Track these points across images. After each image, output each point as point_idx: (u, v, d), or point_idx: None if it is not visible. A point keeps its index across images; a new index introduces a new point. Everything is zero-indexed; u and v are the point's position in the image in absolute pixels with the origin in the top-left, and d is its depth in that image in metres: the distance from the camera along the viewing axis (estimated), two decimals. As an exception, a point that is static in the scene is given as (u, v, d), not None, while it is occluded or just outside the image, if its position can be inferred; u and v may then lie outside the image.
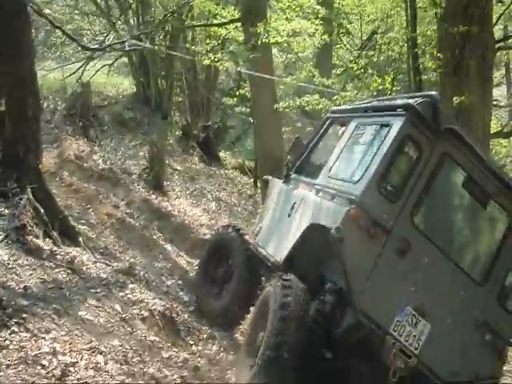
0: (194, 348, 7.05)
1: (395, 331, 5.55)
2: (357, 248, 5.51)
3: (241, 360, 6.21)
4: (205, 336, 7.70)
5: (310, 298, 5.84)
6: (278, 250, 6.92)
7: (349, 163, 6.34)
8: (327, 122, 7.68)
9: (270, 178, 9.04)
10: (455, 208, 6.20)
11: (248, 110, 22.27)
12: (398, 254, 5.62)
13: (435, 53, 10.87)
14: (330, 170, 6.60)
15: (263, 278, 7.91)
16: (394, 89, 18.23)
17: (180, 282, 9.63)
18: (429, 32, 13.95)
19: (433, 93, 5.94)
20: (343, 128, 6.98)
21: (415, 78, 10.67)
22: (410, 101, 5.79)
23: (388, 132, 5.75)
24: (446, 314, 5.74)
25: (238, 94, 20.61)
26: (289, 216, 6.91)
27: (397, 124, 5.72)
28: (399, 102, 6.08)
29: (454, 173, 5.95)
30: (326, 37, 19.39)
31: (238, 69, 21.35)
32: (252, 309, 7.39)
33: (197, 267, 9.43)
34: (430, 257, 5.70)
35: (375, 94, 16.90)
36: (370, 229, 5.52)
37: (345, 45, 24.03)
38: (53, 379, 4.62)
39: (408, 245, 5.62)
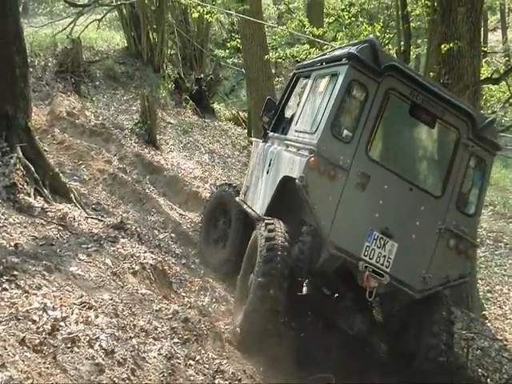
0: (185, 300, 7.11)
1: (366, 256, 6.30)
2: (320, 191, 6.24)
3: (237, 299, 6.97)
4: (197, 288, 7.77)
5: (290, 238, 6.46)
6: (260, 205, 7.63)
7: (309, 115, 6.97)
8: (294, 78, 8.30)
9: (254, 139, 9.60)
10: (406, 134, 6.82)
11: (240, 61, 22.15)
12: (359, 188, 6.35)
13: (424, 0, 10.82)
14: (296, 123, 7.28)
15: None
16: (387, 36, 18.16)
17: (173, 235, 9.72)
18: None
19: (370, 37, 6.53)
20: (306, 82, 7.67)
21: (404, 26, 10.60)
22: (352, 49, 6.36)
23: (336, 80, 6.40)
24: (411, 230, 6.44)
25: (229, 45, 20.48)
26: (267, 173, 7.60)
27: (342, 72, 6.34)
28: (343, 51, 6.63)
29: (400, 103, 6.51)
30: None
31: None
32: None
33: (200, 223, 9.97)
34: (388, 183, 6.40)
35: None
36: (329, 171, 6.24)
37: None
38: (43, 334, 4.70)
39: (367, 177, 6.34)
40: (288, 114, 8.37)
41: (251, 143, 9.70)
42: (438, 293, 6.69)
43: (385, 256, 6.35)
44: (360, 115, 6.37)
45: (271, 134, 8.34)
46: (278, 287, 6.19)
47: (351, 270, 6.42)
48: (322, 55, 8.07)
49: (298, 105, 7.74)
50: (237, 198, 8.83)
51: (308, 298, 6.79)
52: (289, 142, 7.22)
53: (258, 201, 7.81)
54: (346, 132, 6.39)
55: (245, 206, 8.42)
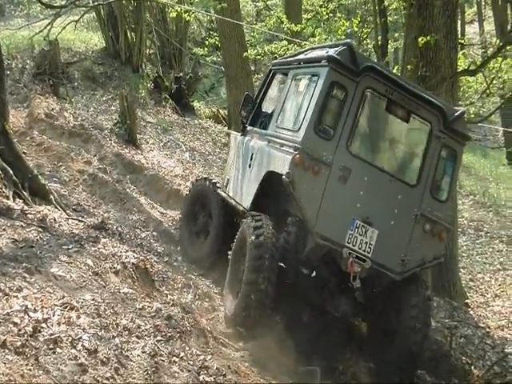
0: (168, 297, 7.10)
1: (349, 243, 6.83)
2: (305, 186, 6.72)
3: (227, 291, 7.41)
4: (180, 285, 7.76)
5: (277, 231, 6.93)
6: (244, 198, 8.01)
7: (290, 113, 7.44)
8: (270, 74, 8.73)
9: (231, 131, 10.25)
10: (383, 129, 7.37)
11: (220, 58, 22.16)
12: (341, 181, 6.84)
13: (400, -6, 10.88)
14: (277, 120, 7.70)
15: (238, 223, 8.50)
16: (365, 31, 18.22)
17: (154, 233, 9.71)
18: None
19: (348, 41, 7.09)
20: (284, 79, 8.14)
21: (381, 20, 10.65)
22: (331, 52, 6.85)
23: (317, 81, 6.86)
24: (389, 218, 6.99)
25: (208, 43, 20.46)
26: (249, 167, 7.98)
27: (323, 74, 6.82)
28: (323, 53, 7.07)
29: (377, 101, 7.05)
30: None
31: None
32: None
33: (179, 217, 10.15)
34: (368, 175, 6.93)
35: (343, 38, 16.91)
36: (313, 167, 6.73)
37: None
38: (25, 336, 4.68)
39: (348, 171, 6.84)
40: (265, 108, 8.80)
41: (229, 135, 10.08)
42: (416, 273, 7.23)
43: (366, 242, 6.89)
44: (340, 113, 6.85)
45: (249, 128, 8.73)
46: (268, 281, 6.67)
47: (335, 256, 6.91)
48: (299, 53, 8.48)
49: (277, 101, 8.12)
50: (218, 190, 9.13)
51: (294, 285, 7.01)
52: (271, 138, 7.64)
53: (241, 193, 8.18)
54: (327, 129, 6.85)
55: (227, 198, 8.76)
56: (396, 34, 20.19)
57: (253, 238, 6.82)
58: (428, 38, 9.62)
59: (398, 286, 7.14)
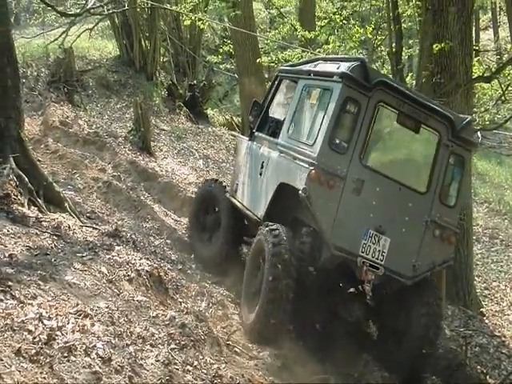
0: (182, 305, 7.10)
1: (363, 252, 7.03)
2: (321, 199, 6.94)
3: (244, 302, 7.56)
4: (193, 293, 7.75)
5: (291, 239, 7.15)
6: (256, 206, 8.24)
7: (303, 124, 7.67)
8: (277, 80, 8.95)
9: (237, 135, 10.55)
10: (394, 140, 7.78)
11: (233, 66, 22.20)
12: (355, 193, 7.05)
13: (415, 1, 10.84)
14: (288, 130, 7.87)
15: (246, 226, 9.08)
16: (379, 38, 18.20)
17: (168, 241, 9.72)
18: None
19: (361, 57, 7.64)
20: (292, 87, 8.38)
21: (395, 27, 10.61)
22: (344, 67, 7.05)
23: (330, 96, 7.08)
24: (401, 226, 7.22)
25: (222, 51, 20.50)
26: (260, 175, 8.22)
27: (336, 90, 7.02)
28: (335, 68, 7.27)
29: (389, 114, 7.30)
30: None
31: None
32: (241, 253, 9.36)
33: (188, 218, 10.35)
34: (380, 186, 7.14)
35: (358, 45, 16.92)
36: (329, 181, 6.94)
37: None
38: (39, 344, 4.70)
39: (362, 183, 7.05)
40: (272, 113, 9.04)
41: (234, 137, 10.33)
42: (426, 277, 7.47)
43: (379, 251, 7.10)
44: (354, 127, 7.05)
45: (257, 133, 8.94)
46: (288, 288, 6.87)
47: (350, 265, 7.11)
48: (306, 62, 8.66)
49: (287, 110, 8.28)
50: (227, 195, 9.38)
51: (311, 292, 7.23)
52: (282, 148, 7.81)
53: (253, 201, 8.41)
54: (341, 144, 7.06)
55: (236, 203, 9.00)
56: (410, 41, 20.14)
57: (271, 247, 7.02)
58: (443, 44, 9.60)
59: (410, 290, 7.36)
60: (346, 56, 8.52)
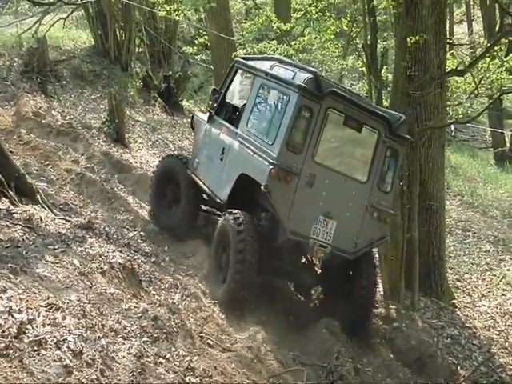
0: (155, 298, 7.08)
1: (314, 234, 8.33)
2: (279, 192, 8.15)
3: (211, 278, 8.69)
4: (167, 285, 7.73)
5: (252, 221, 8.42)
6: (218, 190, 9.38)
7: (261, 121, 8.92)
8: (234, 70, 10.01)
9: (196, 114, 11.71)
10: (341, 140, 8.85)
11: (209, 57, 22.11)
12: (308, 185, 8.28)
13: (389, -6, 10.85)
14: (247, 124, 9.04)
15: (203, 198, 10.36)
16: (355, 30, 18.23)
17: (142, 233, 9.69)
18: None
19: (314, 70, 8.57)
20: (249, 81, 9.65)
21: (370, 20, 10.61)
22: (299, 80, 8.22)
23: (288, 103, 8.26)
24: (345, 210, 8.50)
25: (197, 42, 20.39)
26: (221, 160, 9.38)
27: (293, 98, 8.19)
28: (292, 78, 8.40)
29: (336, 117, 8.43)
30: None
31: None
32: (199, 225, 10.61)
33: (150, 191, 11.15)
34: (329, 179, 8.39)
35: (333, 37, 16.93)
36: (286, 177, 8.14)
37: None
38: (9, 337, 4.65)
39: (313, 177, 8.29)
40: (229, 99, 10.19)
41: (193, 118, 11.34)
42: (369, 253, 9.00)
43: (327, 232, 8.39)
44: (307, 130, 8.25)
45: (215, 117, 10.08)
46: (252, 261, 8.09)
47: (303, 245, 8.41)
48: (262, 59, 9.90)
49: (246, 102, 9.34)
50: (187, 171, 10.38)
51: (270, 264, 8.58)
52: (242, 140, 8.97)
53: (215, 184, 9.53)
54: (297, 145, 8.25)
55: (197, 180, 10.08)
56: (385, 34, 20.19)
57: (235, 228, 8.19)
58: (417, 37, 9.63)
59: (353, 262, 8.68)
60: (299, 64, 9.46)
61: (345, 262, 8.71)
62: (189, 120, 18.65)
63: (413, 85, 10.06)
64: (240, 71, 9.95)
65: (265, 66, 9.18)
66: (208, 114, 10.43)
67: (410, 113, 9.95)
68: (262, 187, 8.11)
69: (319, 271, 9.38)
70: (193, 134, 11.52)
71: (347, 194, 8.50)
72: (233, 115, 9.96)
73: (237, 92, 10.16)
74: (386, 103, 10.33)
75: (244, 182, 8.67)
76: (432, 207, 10.48)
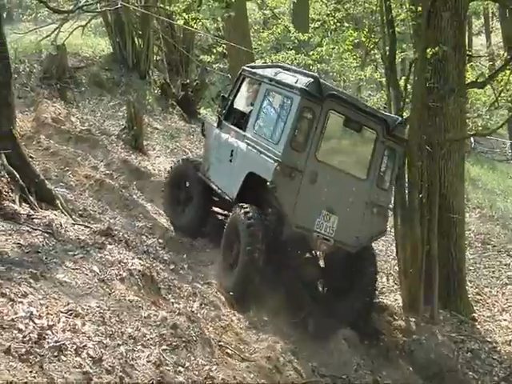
0: (174, 306, 7.04)
1: (317, 228, 8.78)
2: (284, 188, 8.64)
3: (221, 268, 9.09)
4: (186, 293, 7.69)
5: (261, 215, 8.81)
6: (228, 189, 9.81)
7: (267, 124, 9.32)
8: (241, 78, 10.52)
9: (205, 118, 12.59)
10: (341, 139, 9.40)
11: (226, 66, 22.13)
12: (311, 182, 8.75)
13: (408, 5, 10.80)
14: (254, 126, 9.50)
15: (214, 200, 10.82)
16: (372, 41, 18.20)
17: (160, 240, 9.67)
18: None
19: (315, 75, 9.14)
20: (255, 87, 10.10)
21: (389, 31, 10.57)
22: (302, 84, 8.69)
23: (291, 105, 8.79)
24: (347, 206, 8.94)
25: (215, 51, 20.42)
26: (230, 161, 9.84)
27: (296, 100, 8.70)
28: (294, 82, 8.87)
29: (337, 118, 8.90)
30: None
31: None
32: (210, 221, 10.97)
33: (163, 193, 11.51)
34: (330, 175, 8.86)
35: (351, 48, 16.89)
36: (290, 174, 8.63)
37: (321, -1, 23.65)
38: (29, 343, 4.64)
39: (316, 174, 8.77)
40: (237, 106, 10.59)
41: (203, 124, 11.77)
42: (369, 249, 9.39)
43: (330, 227, 8.83)
44: (309, 130, 8.74)
45: (225, 122, 10.49)
46: (261, 252, 8.53)
47: (307, 239, 8.86)
48: (268, 67, 10.32)
49: (252, 108, 9.85)
50: (198, 173, 10.80)
51: (276, 257, 8.86)
52: (249, 142, 9.42)
53: (225, 183, 9.97)
54: (300, 144, 8.73)
55: (208, 182, 10.52)
56: (404, 45, 20.11)
57: (245, 226, 8.62)
58: (436, 49, 9.58)
59: (354, 256, 9.09)
60: (302, 70, 10.19)
61: (347, 257, 9.13)
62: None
63: (432, 96, 10.00)
64: (247, 79, 10.45)
65: (270, 72, 9.71)
66: (217, 119, 10.93)
67: (429, 124, 9.91)
68: (269, 183, 8.63)
69: (322, 265, 9.85)
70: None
71: (348, 190, 8.97)
72: (240, 120, 10.40)
73: (244, 98, 10.60)
74: (405, 114, 10.26)
75: (251, 181, 9.14)
76: (451, 219, 10.37)
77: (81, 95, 16.75)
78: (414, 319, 9.40)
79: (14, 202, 7.52)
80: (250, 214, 8.74)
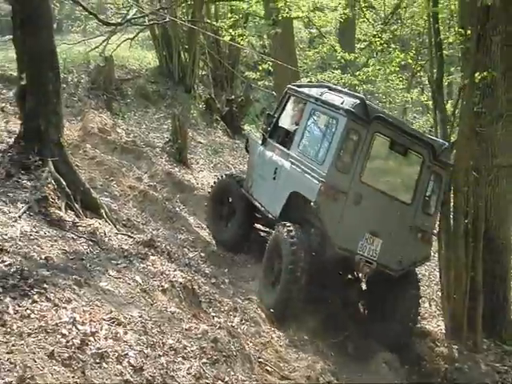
0: (215, 320, 7.03)
1: (360, 251, 8.69)
2: (328, 209, 8.61)
3: (262, 285, 9.08)
4: (226, 308, 7.68)
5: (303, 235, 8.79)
6: (271, 207, 9.84)
7: (312, 143, 9.34)
8: (287, 96, 10.57)
9: (249, 135, 12.98)
10: (386, 162, 9.35)
11: (272, 83, 22.18)
12: (355, 203, 8.69)
13: (457, 28, 10.70)
14: (299, 146, 9.52)
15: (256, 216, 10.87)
16: (419, 63, 18.10)
17: (202, 254, 9.68)
18: (453, 6, 13.71)
19: (362, 96, 9.23)
20: (300, 106, 10.10)
21: (437, 54, 10.47)
22: (348, 105, 8.70)
23: (336, 126, 8.78)
24: (390, 230, 8.85)
25: (261, 68, 20.49)
26: (274, 179, 9.84)
27: (342, 122, 8.68)
28: (340, 103, 8.87)
29: (383, 141, 8.88)
30: (347, 11, 19.19)
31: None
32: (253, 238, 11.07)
33: (206, 207, 11.66)
34: (375, 198, 8.78)
35: (398, 69, 16.80)
36: (334, 195, 8.59)
37: (368, 19, 23.65)
38: (72, 348, 4.67)
39: (360, 196, 8.70)
40: (282, 124, 10.56)
41: (248, 140, 11.82)
42: (413, 273, 9.29)
43: (373, 249, 8.75)
44: (355, 152, 8.69)
45: (269, 139, 10.52)
46: (302, 280, 8.46)
47: (350, 260, 8.76)
48: (313, 86, 10.36)
49: (297, 126, 9.87)
50: (242, 190, 10.86)
51: (318, 278, 8.79)
52: (294, 161, 9.44)
53: (268, 201, 10.01)
54: (345, 165, 8.71)
55: (251, 199, 10.56)
56: (452, 69, 19.95)
57: (289, 245, 8.59)
58: (485, 73, 9.44)
59: (397, 280, 8.98)
60: (348, 91, 9.90)
61: (389, 280, 9.02)
62: (248, 144, 18.84)
63: (480, 121, 9.84)
64: (292, 97, 10.47)
65: (315, 92, 9.71)
66: (262, 136, 10.96)
67: (476, 149, 9.76)
68: (312, 203, 8.61)
69: (364, 287, 9.74)
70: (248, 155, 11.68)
71: (392, 214, 8.89)
72: (285, 138, 10.38)
73: (289, 117, 10.57)
74: (452, 139, 10.13)
75: (295, 200, 9.14)
76: (497, 246, 10.17)
77: (127, 107, 16.94)
78: (456, 347, 9.17)
79: (60, 209, 7.59)
80: (293, 233, 8.70)
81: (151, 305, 6.26)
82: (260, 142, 10.89)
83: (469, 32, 9.78)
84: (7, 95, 13.91)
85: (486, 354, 9.28)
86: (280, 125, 10.65)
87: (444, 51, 11.46)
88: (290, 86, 10.83)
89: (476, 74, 9.40)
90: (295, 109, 10.46)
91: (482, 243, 9.66)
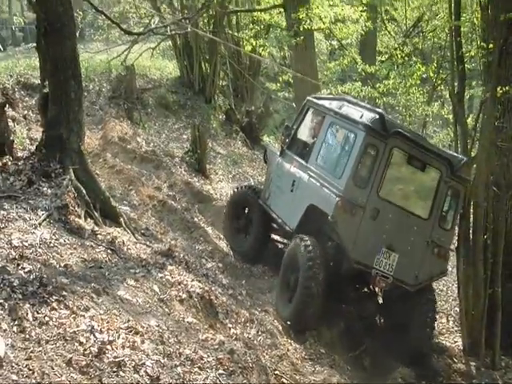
0: (231, 331, 7.02)
1: (377, 265, 8.70)
2: (345, 224, 8.65)
3: (279, 297, 9.16)
4: (243, 319, 7.65)
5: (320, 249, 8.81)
6: (288, 219, 9.93)
7: (330, 157, 9.47)
8: (306, 108, 10.60)
9: (267, 146, 13.07)
10: (404, 177, 9.31)
11: (291, 95, 22.19)
12: (372, 218, 8.72)
13: (479, 42, 10.65)
14: (317, 159, 9.59)
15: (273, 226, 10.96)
16: (440, 76, 18.03)
17: (220, 265, 9.68)
18: (475, 20, 13.64)
19: (380, 111, 9.05)
20: (319, 119, 10.15)
21: (458, 67, 10.42)
22: (367, 120, 8.71)
23: (355, 141, 8.82)
24: (407, 244, 8.83)
25: (281, 79, 20.49)
26: (291, 191, 9.91)
27: (360, 136, 8.71)
28: (358, 117, 8.88)
29: (401, 156, 8.90)
30: (369, 23, 19.19)
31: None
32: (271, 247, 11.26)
33: (224, 218, 11.72)
34: (392, 213, 8.79)
35: (418, 82, 16.73)
36: (352, 210, 8.62)
37: (389, 31, 23.62)
38: (90, 356, 4.69)
39: (377, 211, 8.72)
40: (301, 136, 10.70)
41: (266, 151, 12.07)
42: (429, 288, 9.26)
43: (389, 264, 8.75)
44: (373, 166, 8.71)
45: (287, 151, 10.60)
46: (319, 285, 8.56)
47: (366, 275, 8.83)
48: (332, 99, 10.30)
49: (315, 139, 9.97)
50: (259, 201, 10.98)
51: (334, 291, 8.88)
52: (311, 173, 9.51)
53: (285, 213, 10.10)
54: (363, 180, 8.72)
55: (269, 210, 10.67)
56: (473, 83, 19.86)
57: (306, 259, 8.64)
58: (507, 88, 9.38)
59: (413, 294, 8.97)
60: (367, 105, 9.93)
61: (406, 295, 9.02)
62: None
63: (501, 136, 9.78)
64: (311, 110, 10.52)
65: (334, 105, 9.74)
66: (280, 148, 11.03)
67: (496, 164, 9.69)
68: (330, 217, 8.66)
69: (381, 301, 9.76)
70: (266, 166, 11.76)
71: (409, 228, 8.88)
72: (303, 150, 10.43)
73: (308, 129, 10.69)
74: (472, 153, 10.05)
75: (312, 213, 9.18)
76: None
77: (147, 116, 17.01)
78: (474, 363, 9.12)
79: (79, 216, 7.66)
80: (311, 247, 8.76)
81: (168, 314, 6.27)
82: (278, 153, 10.97)
83: (491, 46, 9.72)
84: (30, 103, 14.00)
85: (504, 372, 9.20)
86: (298, 137, 10.74)
87: (466, 65, 11.41)
88: (309, 97, 10.86)
89: (498, 89, 9.35)
90: (314, 121, 10.55)
91: (501, 259, 9.58)
